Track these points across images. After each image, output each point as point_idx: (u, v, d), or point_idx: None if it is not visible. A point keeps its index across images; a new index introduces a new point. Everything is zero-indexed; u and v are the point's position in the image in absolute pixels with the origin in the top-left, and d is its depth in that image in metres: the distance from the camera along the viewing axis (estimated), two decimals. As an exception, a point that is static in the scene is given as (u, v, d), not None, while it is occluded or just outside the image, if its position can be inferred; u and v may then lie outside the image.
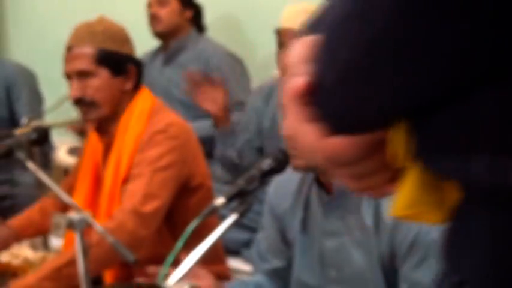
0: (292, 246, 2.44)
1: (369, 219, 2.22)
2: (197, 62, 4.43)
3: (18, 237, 2.90)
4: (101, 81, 2.70)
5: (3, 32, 6.16)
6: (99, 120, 2.76)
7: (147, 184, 2.61)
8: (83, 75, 2.69)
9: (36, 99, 4.61)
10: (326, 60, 0.71)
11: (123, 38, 2.76)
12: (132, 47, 2.81)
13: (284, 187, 2.44)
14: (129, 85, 2.75)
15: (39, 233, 3.03)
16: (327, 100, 0.73)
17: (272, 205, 2.45)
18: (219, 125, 3.79)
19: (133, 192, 2.61)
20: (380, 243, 2.21)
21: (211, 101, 3.80)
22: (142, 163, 2.65)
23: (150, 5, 4.49)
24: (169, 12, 4.44)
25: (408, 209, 0.74)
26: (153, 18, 4.46)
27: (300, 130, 0.76)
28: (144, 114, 2.75)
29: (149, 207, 2.59)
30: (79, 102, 2.72)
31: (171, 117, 2.79)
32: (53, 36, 5.81)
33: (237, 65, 4.45)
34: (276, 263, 2.47)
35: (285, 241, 2.45)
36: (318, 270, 2.35)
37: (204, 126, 4.28)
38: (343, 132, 0.74)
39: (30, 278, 2.47)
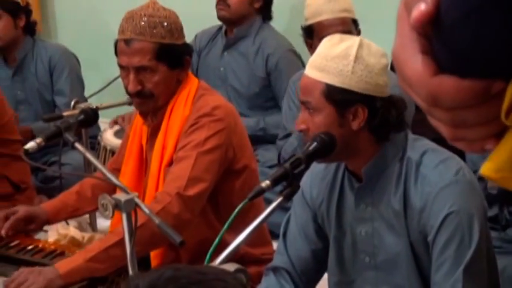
0: (324, 235, 2.47)
1: (397, 204, 2.25)
2: (257, 54, 4.41)
3: (49, 220, 2.92)
4: (160, 75, 2.70)
5: (50, 15, 6.21)
6: (154, 110, 2.78)
7: (191, 167, 2.62)
8: (142, 70, 2.69)
9: (77, 82, 4.67)
10: None
11: (179, 28, 2.75)
12: (184, 33, 2.80)
13: (318, 175, 2.46)
14: (183, 75, 2.77)
15: (72, 216, 3.05)
16: (450, 33, 0.67)
17: (306, 192, 2.47)
18: None
19: (178, 175, 2.62)
20: (409, 227, 2.24)
21: None
22: (187, 146, 2.66)
23: None
24: (240, 0, 4.40)
25: (498, 172, 0.69)
26: (221, 3, 4.42)
27: (410, 60, 0.71)
28: (190, 98, 2.76)
29: (193, 190, 2.61)
30: (137, 95, 2.72)
31: (216, 100, 2.80)
32: (99, 19, 5.86)
33: (295, 61, 4.43)
34: (304, 249, 2.48)
35: (317, 229, 2.48)
36: (352, 257, 2.38)
37: (250, 124, 4.28)
38: (459, 72, 0.68)
39: (78, 258, 2.50)
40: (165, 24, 2.70)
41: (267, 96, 4.47)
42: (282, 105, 4.03)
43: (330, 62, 2.22)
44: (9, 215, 2.84)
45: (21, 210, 2.86)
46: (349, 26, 3.61)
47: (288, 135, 3.86)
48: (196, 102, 2.76)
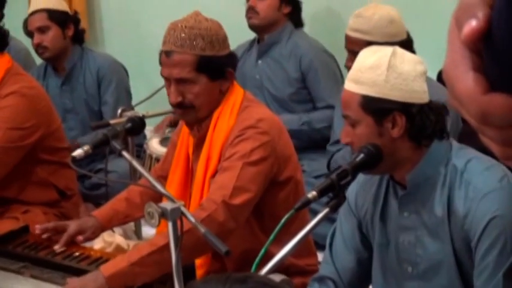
0: (369, 244, 2.47)
1: (440, 210, 2.25)
2: (290, 57, 4.43)
3: (103, 228, 2.95)
4: (200, 87, 2.71)
5: (97, 24, 6.26)
6: (196, 121, 2.79)
7: (237, 177, 2.63)
8: (182, 81, 2.70)
9: (125, 94, 4.71)
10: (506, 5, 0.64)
11: (221, 39, 2.74)
12: (228, 44, 2.79)
13: (363, 184, 2.47)
14: (226, 86, 2.77)
15: (123, 223, 3.08)
16: (502, 50, 0.66)
17: (351, 201, 2.48)
18: None
19: (223, 184, 2.63)
20: (453, 233, 2.24)
21: None
22: (232, 156, 2.67)
23: None
24: (267, 6, 4.43)
25: None
26: (250, 11, 4.46)
27: (461, 77, 0.70)
28: (235, 109, 2.76)
29: (239, 200, 2.61)
30: (178, 106, 2.74)
31: (261, 111, 2.80)
32: (146, 28, 5.90)
33: (330, 61, 4.44)
34: (350, 259, 2.48)
35: (362, 239, 2.48)
36: (394, 267, 2.38)
37: (293, 119, 4.29)
38: (511, 90, 0.66)
39: (122, 262, 2.52)
40: (206, 36, 2.69)
41: (303, 98, 4.47)
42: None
43: (364, 73, 2.25)
44: (59, 228, 2.85)
45: (72, 226, 2.87)
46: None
47: (338, 142, 3.85)
48: (241, 113, 2.76)
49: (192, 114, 2.75)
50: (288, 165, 2.79)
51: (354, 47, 3.41)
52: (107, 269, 2.50)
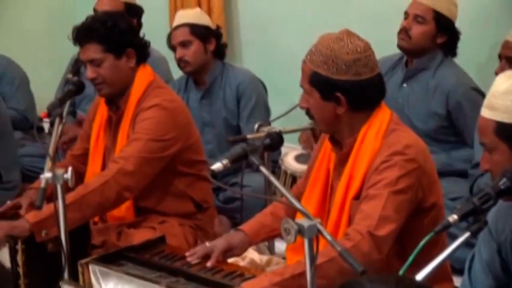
0: (509, 270, 2.39)
1: None
2: (436, 90, 4.30)
3: (251, 242, 2.95)
4: (313, 100, 2.75)
5: (235, 38, 6.35)
6: (326, 133, 2.81)
7: (383, 207, 2.60)
8: (304, 89, 2.77)
9: (263, 110, 4.75)
10: None
11: (341, 63, 2.68)
12: (354, 70, 2.70)
13: (504, 208, 2.40)
14: (340, 110, 2.73)
15: (270, 237, 3.08)
16: None
17: (492, 226, 2.40)
18: None
19: (368, 214, 2.60)
20: None
21: None
22: (378, 184, 2.64)
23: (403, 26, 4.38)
24: (422, 32, 4.28)
25: None
26: (403, 32, 4.32)
27: None
28: (381, 131, 2.73)
29: (384, 230, 2.58)
30: (306, 112, 2.81)
31: (408, 137, 2.75)
32: (284, 44, 5.94)
33: (478, 99, 4.26)
34: (489, 285, 2.42)
35: (502, 264, 2.41)
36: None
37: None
38: None
39: (264, 281, 2.51)
40: (328, 55, 2.69)
41: (446, 133, 4.36)
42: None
43: (498, 99, 2.21)
44: (209, 251, 2.84)
45: (221, 243, 2.87)
46: None
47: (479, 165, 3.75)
48: (388, 136, 2.73)
49: (317, 126, 2.83)
50: (432, 191, 2.74)
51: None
52: (248, 286, 2.51)
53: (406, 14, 4.36)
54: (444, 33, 4.32)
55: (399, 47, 4.37)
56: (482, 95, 4.27)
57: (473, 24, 4.79)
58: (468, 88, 4.29)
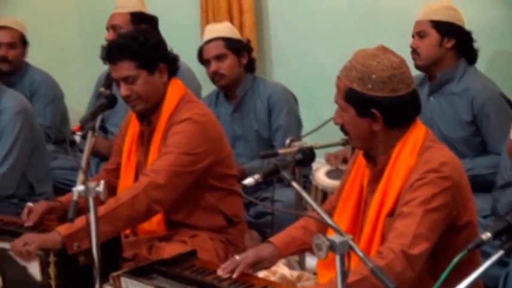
0: None
1: None
2: (461, 97, 4.29)
3: (281, 255, 2.95)
4: (348, 117, 2.74)
5: (266, 53, 6.36)
6: (361, 149, 2.81)
7: (417, 225, 2.58)
8: (339, 105, 2.76)
9: (295, 122, 4.75)
10: None
11: (377, 80, 2.67)
12: (391, 87, 2.69)
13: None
14: (376, 127, 2.72)
15: (300, 250, 3.07)
16: None
17: None
18: None
19: (402, 232, 2.59)
20: None
21: None
22: (413, 202, 2.62)
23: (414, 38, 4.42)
24: (427, 45, 4.31)
25: None
26: (413, 53, 4.35)
27: None
28: (416, 148, 2.72)
29: (418, 249, 2.57)
30: (341, 127, 2.80)
31: (444, 154, 2.73)
32: (314, 59, 5.94)
33: (503, 105, 4.26)
34: None
35: None
36: None
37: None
38: None
39: None
40: (363, 71, 2.68)
41: (474, 144, 4.33)
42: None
43: None
44: (238, 263, 2.85)
45: (250, 255, 2.87)
46: None
47: (505, 186, 3.72)
48: (423, 153, 2.72)
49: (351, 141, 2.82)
50: (467, 209, 2.72)
51: None
52: None
53: (412, 36, 4.41)
54: (450, 37, 4.33)
55: (415, 67, 4.37)
56: (508, 102, 4.26)
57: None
58: (493, 93, 4.29)
